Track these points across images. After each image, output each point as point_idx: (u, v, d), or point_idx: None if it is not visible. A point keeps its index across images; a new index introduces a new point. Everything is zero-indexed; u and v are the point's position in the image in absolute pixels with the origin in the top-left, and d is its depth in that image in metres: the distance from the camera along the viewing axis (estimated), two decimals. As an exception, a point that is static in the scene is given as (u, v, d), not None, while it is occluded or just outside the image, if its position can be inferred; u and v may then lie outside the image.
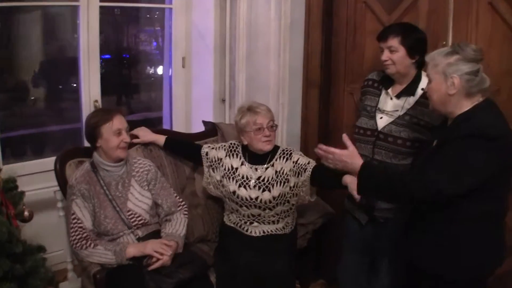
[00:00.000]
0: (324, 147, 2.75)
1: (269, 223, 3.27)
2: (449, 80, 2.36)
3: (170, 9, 4.25)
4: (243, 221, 3.28)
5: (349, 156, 2.67)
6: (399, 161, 2.96)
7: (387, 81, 3.06)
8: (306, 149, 3.90)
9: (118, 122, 2.97)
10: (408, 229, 2.62)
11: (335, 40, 3.84)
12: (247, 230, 3.28)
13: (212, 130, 3.85)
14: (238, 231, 3.30)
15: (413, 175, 2.44)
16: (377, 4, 3.60)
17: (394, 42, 2.91)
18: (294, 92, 3.97)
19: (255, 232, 3.27)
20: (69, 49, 4.21)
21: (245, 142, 3.23)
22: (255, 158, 3.25)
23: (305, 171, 3.12)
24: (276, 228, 3.28)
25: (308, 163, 3.13)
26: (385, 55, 2.95)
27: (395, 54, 2.92)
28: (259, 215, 3.23)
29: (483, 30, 3.13)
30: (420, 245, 2.53)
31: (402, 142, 2.95)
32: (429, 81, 2.44)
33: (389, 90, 3.05)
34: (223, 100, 4.19)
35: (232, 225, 3.33)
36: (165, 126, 4.48)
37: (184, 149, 3.52)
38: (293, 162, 3.18)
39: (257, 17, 3.90)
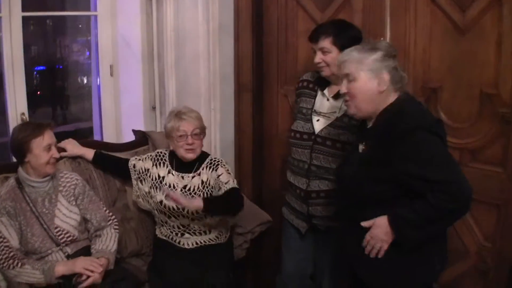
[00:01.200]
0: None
1: (200, 234, 3.03)
2: (379, 77, 2.16)
3: (96, 16, 3.84)
4: (174, 233, 3.04)
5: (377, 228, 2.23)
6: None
7: (322, 81, 2.76)
8: (241, 156, 3.68)
9: (49, 137, 2.72)
10: (345, 239, 2.37)
11: (267, 41, 3.53)
12: (179, 243, 3.03)
13: (142, 139, 3.55)
14: (171, 244, 3.05)
15: (434, 192, 2.04)
16: (309, 1, 3.26)
17: (325, 43, 2.60)
18: (226, 97, 3.65)
19: (188, 244, 3.02)
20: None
21: (171, 148, 3.03)
22: (182, 166, 3.04)
23: (219, 190, 2.90)
24: (209, 239, 3.03)
25: (226, 183, 2.90)
26: (318, 57, 2.64)
27: (328, 56, 2.61)
28: (189, 225, 2.99)
29: (422, 25, 2.79)
30: (362, 258, 2.24)
31: (341, 145, 2.65)
32: (351, 80, 2.20)
33: (325, 91, 2.74)
34: (154, 108, 3.89)
35: (164, 237, 3.08)
36: (96, 136, 4.13)
37: (112, 164, 3.23)
38: (217, 175, 2.96)
39: (184, 21, 3.60)
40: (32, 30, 3.59)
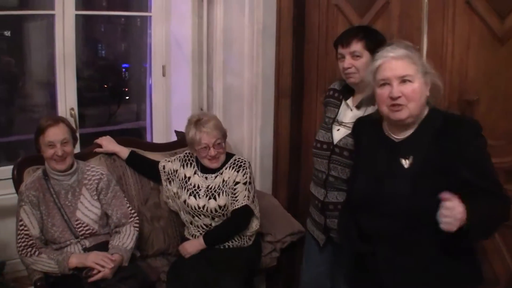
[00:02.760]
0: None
1: None
2: (427, 80, 1.99)
3: (150, 17, 3.89)
4: (199, 233, 3.03)
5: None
6: None
7: (347, 91, 2.63)
8: (278, 163, 3.61)
9: (51, 134, 2.75)
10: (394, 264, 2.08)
11: (307, 47, 3.45)
12: None
13: (183, 141, 3.45)
14: None
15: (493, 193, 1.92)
16: (348, 7, 3.18)
17: (358, 46, 2.45)
18: (267, 101, 3.60)
19: None
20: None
21: (195, 154, 3.05)
22: (207, 167, 3.02)
23: (231, 205, 2.94)
24: (232, 240, 3.00)
25: (236, 199, 2.92)
26: (348, 62, 2.47)
27: (358, 60, 2.45)
28: (211, 224, 3.00)
29: (460, 33, 2.66)
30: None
31: None
32: (408, 81, 1.96)
33: (349, 101, 2.61)
34: (201, 109, 3.86)
35: (190, 237, 3.07)
36: (148, 135, 4.17)
37: (144, 165, 3.29)
38: (234, 181, 2.95)
39: (232, 23, 3.60)
40: (91, 29, 3.71)
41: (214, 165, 2.97)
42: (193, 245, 2.95)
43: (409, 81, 1.96)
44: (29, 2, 3.77)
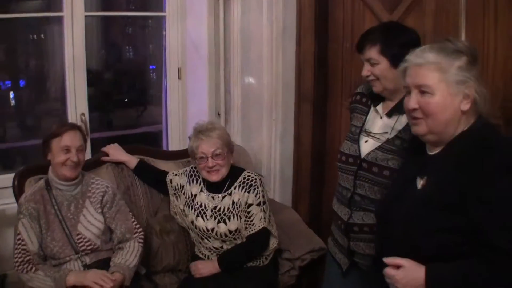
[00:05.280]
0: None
1: None
2: (464, 92, 1.66)
3: (165, 17, 3.73)
4: (210, 253, 2.87)
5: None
6: None
7: (377, 95, 2.32)
8: (299, 173, 3.38)
9: (68, 138, 2.65)
10: None
11: (331, 46, 3.22)
12: None
13: None
14: None
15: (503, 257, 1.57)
16: (376, 1, 2.94)
17: (372, 53, 2.18)
18: (287, 107, 3.38)
19: None
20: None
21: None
22: (213, 185, 2.85)
23: (245, 230, 2.77)
24: None
25: (252, 223, 2.73)
26: (366, 70, 2.22)
27: (376, 67, 2.18)
28: (222, 247, 2.84)
29: (504, 28, 2.39)
30: None
31: (389, 173, 2.17)
32: (426, 92, 1.68)
33: (379, 107, 2.31)
34: (219, 114, 3.72)
35: (201, 255, 2.93)
36: (164, 140, 4.04)
37: (152, 176, 3.14)
38: (247, 204, 2.75)
39: (249, 23, 3.44)
40: (105, 31, 3.62)
41: (213, 177, 2.78)
42: (206, 267, 2.79)
43: (428, 92, 1.68)
44: (54, 5, 3.65)
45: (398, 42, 2.12)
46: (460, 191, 1.61)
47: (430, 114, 1.69)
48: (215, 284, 2.72)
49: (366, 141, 2.29)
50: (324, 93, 3.28)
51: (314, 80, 3.23)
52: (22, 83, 4.20)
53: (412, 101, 1.72)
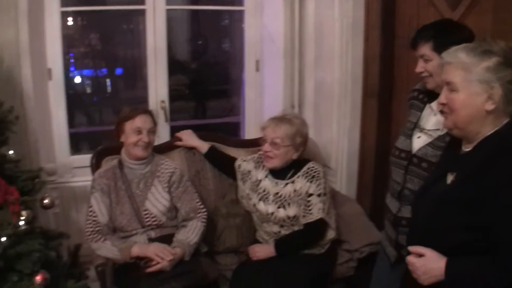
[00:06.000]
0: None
1: None
2: (488, 92, 1.78)
3: (243, 11, 3.99)
4: (268, 237, 3.06)
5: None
6: None
7: (432, 92, 2.44)
8: (363, 167, 3.57)
9: (140, 121, 2.95)
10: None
11: (397, 42, 3.33)
12: None
13: None
14: None
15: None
16: None
17: (425, 49, 2.33)
18: (355, 101, 3.56)
19: None
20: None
21: None
22: (278, 171, 3.03)
23: (303, 217, 2.93)
24: None
25: (310, 212, 2.91)
26: (419, 66, 2.38)
27: (429, 64, 2.33)
28: (279, 232, 3.01)
29: None
30: None
31: None
32: (452, 90, 1.84)
33: (433, 104, 2.43)
34: (293, 107, 3.93)
35: (261, 240, 3.13)
36: (241, 131, 4.31)
37: (222, 161, 3.40)
38: (308, 193, 2.93)
39: (322, 18, 3.62)
40: (184, 23, 3.90)
41: (267, 164, 3.00)
42: (263, 250, 2.99)
43: (453, 89, 1.82)
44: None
45: (451, 39, 2.18)
46: (481, 190, 1.71)
47: (453, 110, 1.82)
48: (270, 268, 2.87)
49: (419, 137, 2.42)
50: (390, 89, 3.38)
51: (380, 76, 3.36)
52: (118, 71, 4.62)
53: (442, 97, 1.87)
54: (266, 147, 2.95)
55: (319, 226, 2.93)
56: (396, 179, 2.48)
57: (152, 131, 2.98)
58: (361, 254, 3.16)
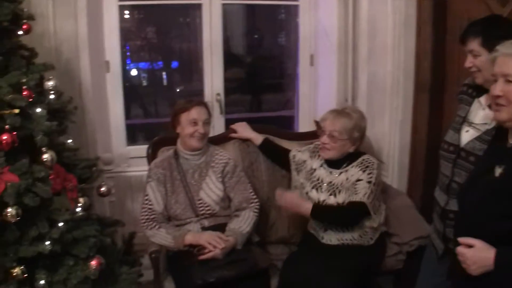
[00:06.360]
0: None
1: (343, 231, 3.09)
2: None
3: (297, 6, 4.15)
4: (319, 228, 3.15)
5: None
6: None
7: (481, 87, 2.51)
8: (414, 161, 3.65)
9: (196, 112, 3.08)
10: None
11: (449, 38, 3.39)
12: (322, 238, 3.13)
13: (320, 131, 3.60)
14: (315, 238, 3.17)
15: None
16: None
17: (474, 44, 2.39)
18: (407, 96, 3.65)
19: (330, 240, 3.11)
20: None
21: None
22: (334, 162, 3.14)
23: (349, 197, 3.02)
24: (352, 237, 3.08)
25: (356, 193, 3.00)
26: (468, 61, 2.44)
27: (478, 59, 2.40)
28: None
29: None
30: None
31: None
32: (510, 81, 1.93)
33: (482, 98, 2.50)
34: (346, 100, 4.05)
35: (312, 231, 3.21)
36: (295, 125, 4.47)
37: (276, 153, 3.52)
38: (357, 179, 3.04)
39: (375, 13, 3.72)
40: (240, 17, 4.07)
41: (323, 154, 3.10)
42: (294, 201, 3.08)
43: (510, 81, 1.90)
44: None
45: (499, 34, 2.23)
46: None
47: (511, 101, 1.90)
48: (319, 259, 2.96)
49: (467, 131, 2.48)
50: (441, 84, 3.44)
51: (431, 71, 3.43)
52: (174, 64, 4.79)
53: (497, 88, 1.93)
54: (324, 139, 3.05)
55: (359, 208, 2.98)
56: (444, 173, 2.55)
57: (207, 122, 3.11)
58: (410, 247, 3.21)
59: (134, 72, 4.74)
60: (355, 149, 3.12)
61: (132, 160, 3.93)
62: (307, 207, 3.01)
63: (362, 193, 2.98)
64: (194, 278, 2.78)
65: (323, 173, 3.15)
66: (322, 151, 3.12)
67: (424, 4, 3.44)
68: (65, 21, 3.38)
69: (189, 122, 3.06)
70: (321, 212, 3.05)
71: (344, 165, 3.10)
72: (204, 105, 3.17)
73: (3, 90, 2.42)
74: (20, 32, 2.71)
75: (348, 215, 3.03)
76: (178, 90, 4.82)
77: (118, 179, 3.78)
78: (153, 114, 4.93)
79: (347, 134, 3.04)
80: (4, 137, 2.38)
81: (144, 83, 5.00)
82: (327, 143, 3.06)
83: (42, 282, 2.49)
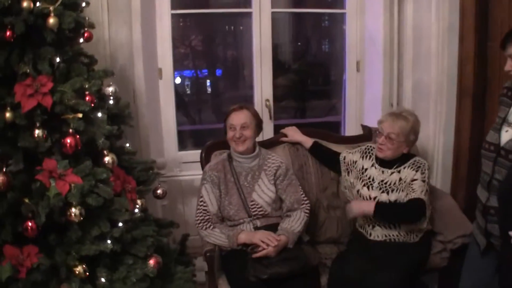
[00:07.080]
0: None
1: (390, 228, 3.31)
2: None
3: (344, 14, 4.44)
4: (367, 224, 3.36)
5: None
6: None
7: None
8: (458, 163, 3.85)
9: (234, 118, 3.32)
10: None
11: (491, 44, 3.63)
12: (370, 234, 3.36)
13: (368, 135, 3.98)
14: (363, 235, 3.39)
15: None
16: None
17: None
18: (450, 100, 3.91)
19: (377, 236, 3.33)
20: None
21: None
22: (385, 161, 3.36)
23: (406, 196, 3.25)
24: (398, 234, 3.30)
25: (414, 191, 3.23)
26: (508, 65, 2.67)
27: None
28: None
29: None
30: None
31: None
32: None
33: None
34: (392, 105, 4.29)
35: (359, 229, 3.43)
36: (342, 130, 4.73)
37: (326, 155, 3.74)
38: (412, 179, 3.28)
39: (420, 21, 3.96)
40: (286, 24, 4.36)
41: (379, 154, 3.30)
42: (359, 205, 3.30)
43: None
44: (245, 2, 4.45)
45: None
46: None
47: None
48: (368, 254, 3.17)
49: (507, 131, 2.67)
50: (484, 89, 3.67)
51: (474, 77, 3.67)
52: (218, 72, 4.97)
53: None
54: (382, 140, 3.26)
55: (420, 204, 3.16)
56: (485, 171, 2.72)
57: (245, 126, 3.30)
58: (454, 245, 3.44)
59: (177, 80, 4.81)
60: (408, 151, 3.33)
61: (183, 165, 4.17)
62: (370, 205, 3.21)
63: (419, 191, 3.19)
64: (247, 276, 2.97)
65: (374, 172, 3.37)
66: (378, 150, 3.31)
67: (467, 12, 3.67)
68: (119, 28, 3.60)
69: (228, 127, 3.32)
70: (385, 210, 3.22)
71: (396, 165, 3.32)
72: (246, 109, 3.38)
73: (67, 95, 2.56)
74: (81, 40, 2.88)
75: (411, 211, 3.21)
76: (225, 97, 5.00)
77: (170, 183, 3.95)
78: (197, 121, 5.07)
79: (403, 136, 3.26)
80: (68, 140, 2.55)
81: (188, 91, 5.16)
82: (384, 144, 3.28)
83: (103, 280, 2.66)
